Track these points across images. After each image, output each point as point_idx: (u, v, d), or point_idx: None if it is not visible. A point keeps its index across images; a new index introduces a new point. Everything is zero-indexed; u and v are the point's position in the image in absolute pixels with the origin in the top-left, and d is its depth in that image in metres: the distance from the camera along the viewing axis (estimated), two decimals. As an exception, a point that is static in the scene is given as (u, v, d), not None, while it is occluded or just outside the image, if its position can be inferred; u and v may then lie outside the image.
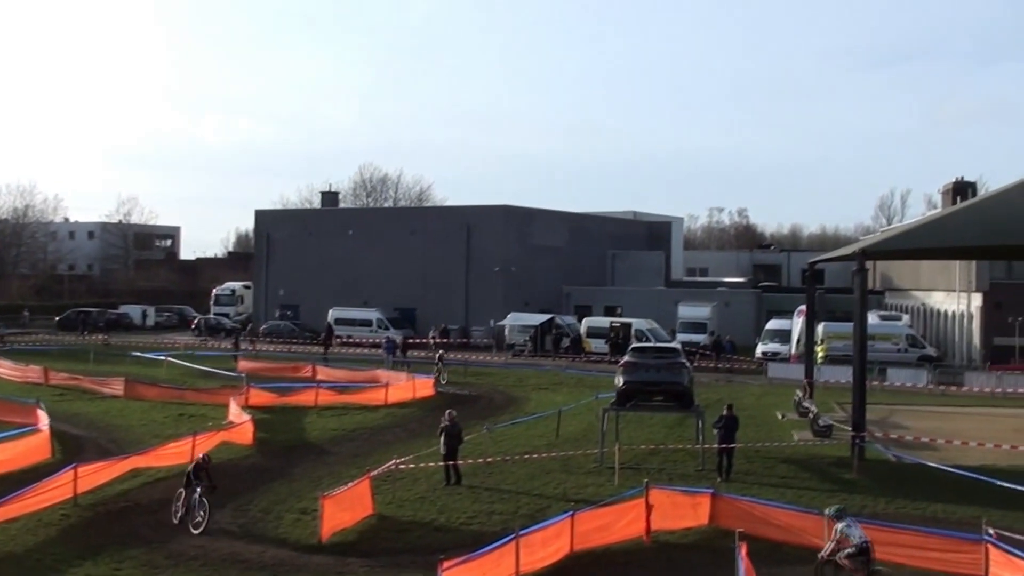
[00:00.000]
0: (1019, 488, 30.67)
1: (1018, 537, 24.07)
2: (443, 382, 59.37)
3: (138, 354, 72.47)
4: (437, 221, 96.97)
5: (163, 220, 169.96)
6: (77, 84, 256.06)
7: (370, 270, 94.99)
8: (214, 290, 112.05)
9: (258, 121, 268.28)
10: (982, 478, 32.08)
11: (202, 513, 27.04)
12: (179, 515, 27.63)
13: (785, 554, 25.15)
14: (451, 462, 33.63)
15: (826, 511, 23.55)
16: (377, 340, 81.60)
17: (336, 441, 42.21)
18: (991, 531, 23.60)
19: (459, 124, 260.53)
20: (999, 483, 31.41)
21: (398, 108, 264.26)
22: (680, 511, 27.69)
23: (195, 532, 26.61)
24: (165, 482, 33.26)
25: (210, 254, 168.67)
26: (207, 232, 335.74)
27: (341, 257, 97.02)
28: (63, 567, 24.17)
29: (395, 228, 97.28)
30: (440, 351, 64.80)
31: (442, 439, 33.97)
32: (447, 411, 35.34)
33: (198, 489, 27.38)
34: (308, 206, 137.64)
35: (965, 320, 78.22)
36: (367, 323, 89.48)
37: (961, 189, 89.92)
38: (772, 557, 24.54)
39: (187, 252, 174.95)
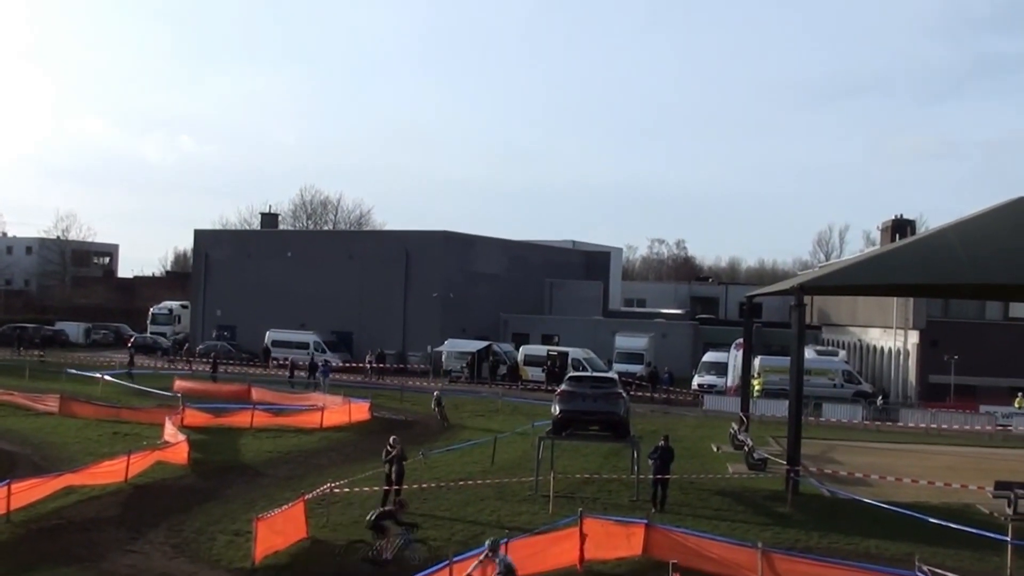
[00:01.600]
0: (951, 525, 30.92)
1: (948, 574, 24.30)
2: (446, 425, 55.15)
3: (74, 371, 71.62)
4: (376, 245, 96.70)
5: (101, 237, 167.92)
6: (17, 98, 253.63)
7: (308, 293, 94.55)
8: (151, 309, 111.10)
9: (199, 140, 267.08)
10: (915, 515, 32.31)
11: (417, 554, 26.22)
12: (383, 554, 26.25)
13: (719, 586, 25.24)
14: (397, 487, 33.43)
15: (487, 542, 22.94)
16: (303, 363, 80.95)
17: (271, 463, 41.94)
18: (924, 568, 23.81)
19: (400, 149, 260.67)
20: (932, 520, 31.64)
21: (339, 131, 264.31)
22: (614, 541, 27.68)
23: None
24: (99, 500, 33.10)
25: (148, 272, 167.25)
26: (145, 251, 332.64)
27: (279, 279, 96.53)
28: (-7, 585, 23.84)
29: (334, 251, 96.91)
30: (437, 392, 58.76)
31: (393, 467, 33.68)
32: (392, 438, 35.13)
33: (404, 532, 26.71)
34: (247, 227, 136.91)
35: (901, 357, 79.03)
36: (304, 346, 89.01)
37: (900, 227, 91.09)
38: (706, 589, 24.65)
39: (125, 270, 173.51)
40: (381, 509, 27.57)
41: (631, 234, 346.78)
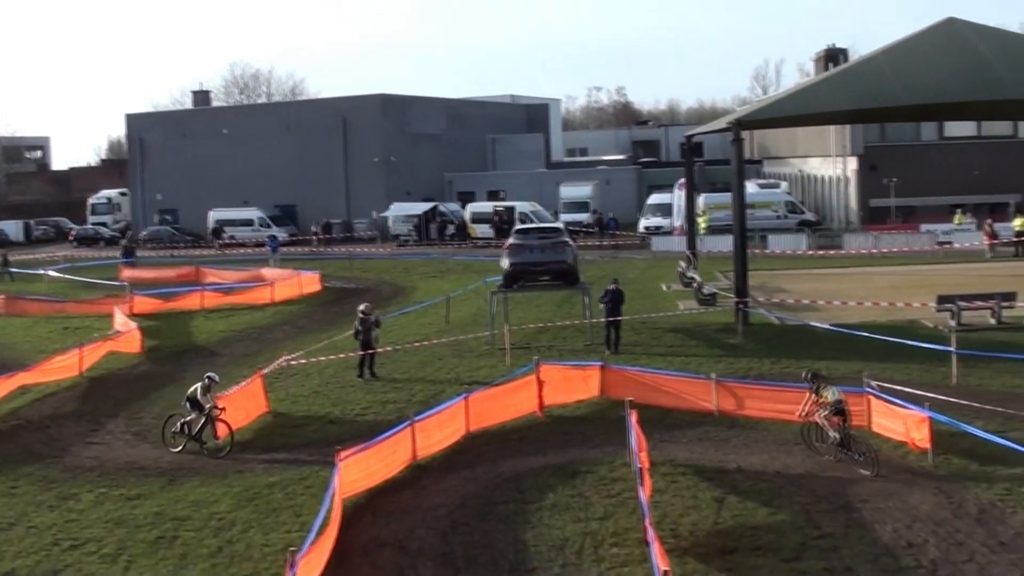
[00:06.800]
0: (896, 341, 31.66)
1: (897, 387, 24.98)
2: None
3: (15, 271, 70.77)
4: (312, 115, 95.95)
5: (30, 131, 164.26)
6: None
7: (248, 169, 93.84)
8: (89, 199, 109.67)
9: (125, 22, 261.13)
10: (863, 334, 33.04)
11: None
12: None
13: (675, 419, 25.88)
14: (370, 351, 33.37)
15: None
16: (260, 239, 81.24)
17: (225, 343, 42.03)
18: (872, 383, 24.44)
19: (328, 14, 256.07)
20: (878, 337, 32.40)
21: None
22: (572, 385, 28.20)
23: None
24: (55, 396, 33.04)
25: (83, 163, 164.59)
26: (78, 140, 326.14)
27: (217, 157, 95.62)
28: (-43, 487, 23.89)
29: (270, 124, 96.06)
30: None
31: (372, 333, 33.49)
32: (364, 304, 35.10)
33: None
34: (180, 108, 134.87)
35: (842, 184, 79.70)
36: (248, 222, 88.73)
37: (833, 56, 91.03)
38: (663, 423, 25.29)
39: (59, 162, 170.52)
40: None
41: (569, 84, 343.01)
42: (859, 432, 23.04)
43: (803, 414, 23.34)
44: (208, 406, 25.86)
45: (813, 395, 22.92)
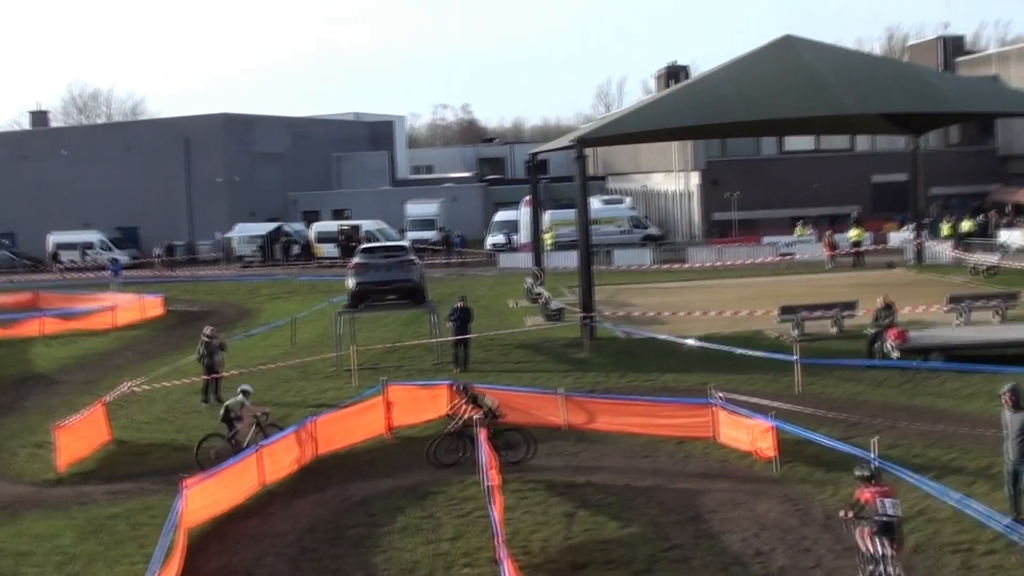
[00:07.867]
0: (741, 352, 32.15)
1: (742, 397, 25.41)
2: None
3: None
4: (153, 135, 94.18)
5: None
6: None
7: (88, 190, 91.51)
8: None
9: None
10: (708, 346, 33.47)
11: None
12: None
13: (525, 436, 25.86)
14: (215, 375, 32.86)
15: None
16: (101, 263, 79.41)
17: (66, 370, 40.96)
18: (718, 394, 24.80)
19: (168, 32, 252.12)
20: (723, 348, 32.86)
21: (103, 17, 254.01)
22: (420, 405, 28.06)
23: None
24: None
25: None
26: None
27: (56, 179, 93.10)
28: None
29: (110, 145, 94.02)
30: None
31: (215, 357, 33.03)
32: (208, 328, 34.42)
33: None
34: (17, 128, 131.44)
35: (685, 198, 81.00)
36: (89, 246, 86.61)
37: (674, 73, 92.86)
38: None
39: None
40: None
41: (413, 101, 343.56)
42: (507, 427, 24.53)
43: (456, 426, 24.60)
44: (254, 415, 25.71)
45: (470, 405, 24.36)
